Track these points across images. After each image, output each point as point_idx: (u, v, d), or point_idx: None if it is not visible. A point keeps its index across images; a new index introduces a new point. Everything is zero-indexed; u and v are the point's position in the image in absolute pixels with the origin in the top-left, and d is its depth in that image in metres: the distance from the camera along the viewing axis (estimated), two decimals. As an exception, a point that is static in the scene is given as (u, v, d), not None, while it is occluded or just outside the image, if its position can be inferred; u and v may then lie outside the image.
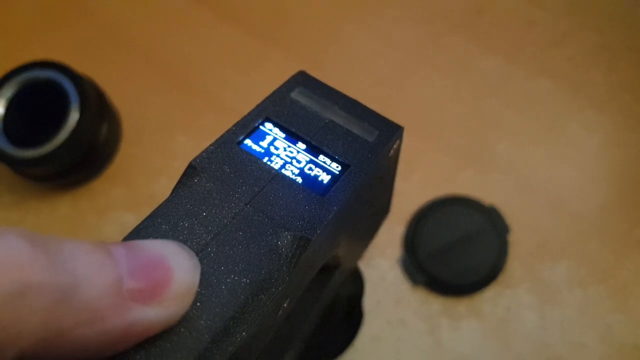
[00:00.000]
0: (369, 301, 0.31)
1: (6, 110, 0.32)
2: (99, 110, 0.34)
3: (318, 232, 0.15)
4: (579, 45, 0.38)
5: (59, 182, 0.34)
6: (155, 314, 0.11)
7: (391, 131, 0.19)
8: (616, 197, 0.34)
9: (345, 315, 0.31)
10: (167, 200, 0.15)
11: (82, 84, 0.32)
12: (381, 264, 0.32)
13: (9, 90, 0.32)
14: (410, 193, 0.33)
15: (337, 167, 0.17)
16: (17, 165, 0.32)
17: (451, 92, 0.37)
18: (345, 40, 0.39)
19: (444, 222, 0.32)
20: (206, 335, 0.13)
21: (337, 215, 0.16)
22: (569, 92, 0.36)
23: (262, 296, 0.14)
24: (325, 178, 0.17)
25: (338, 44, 0.39)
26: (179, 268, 0.12)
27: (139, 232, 0.14)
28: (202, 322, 0.13)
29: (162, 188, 0.35)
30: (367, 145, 0.18)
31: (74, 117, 0.32)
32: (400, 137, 0.19)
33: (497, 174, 0.34)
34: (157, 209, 0.15)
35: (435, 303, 0.32)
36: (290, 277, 0.15)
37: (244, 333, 0.13)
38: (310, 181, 0.17)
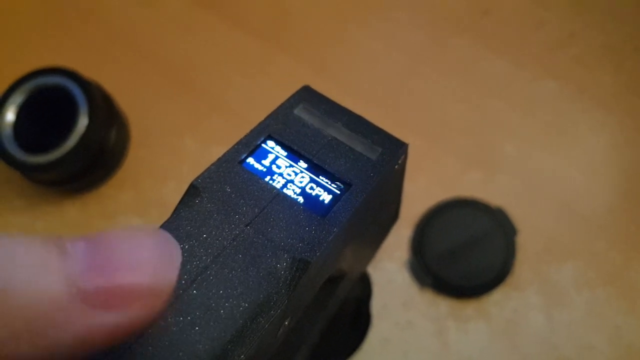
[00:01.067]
0: (377, 304, 0.31)
1: (17, 116, 0.32)
2: (108, 115, 0.34)
3: (317, 254, 0.15)
4: (585, 45, 0.37)
5: (68, 187, 0.35)
6: (116, 319, 0.10)
7: (395, 148, 0.18)
8: (623, 199, 0.34)
9: (353, 318, 0.31)
10: (168, 221, 0.15)
11: (90, 89, 0.32)
12: (389, 267, 0.32)
13: (19, 97, 0.32)
14: (416, 196, 0.33)
15: (339, 186, 0.17)
16: (28, 171, 0.32)
17: (457, 94, 0.37)
18: (349, 42, 0.39)
19: (451, 224, 0.32)
20: None
21: (338, 236, 0.16)
22: (575, 93, 0.36)
23: (261, 319, 0.14)
24: (326, 198, 0.17)
25: (342, 46, 0.39)
26: (149, 262, 0.10)
27: None
28: (200, 346, 0.13)
29: (171, 192, 0.35)
30: (369, 163, 0.18)
31: (82, 122, 0.32)
32: (405, 153, 0.19)
33: (504, 176, 0.34)
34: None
35: (443, 305, 0.32)
36: (289, 300, 0.15)
37: (242, 356, 0.13)
38: (312, 201, 0.16)
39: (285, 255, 0.15)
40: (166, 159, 0.36)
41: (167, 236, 0.11)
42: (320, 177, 0.17)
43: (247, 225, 0.15)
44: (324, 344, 0.27)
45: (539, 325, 0.31)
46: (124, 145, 0.36)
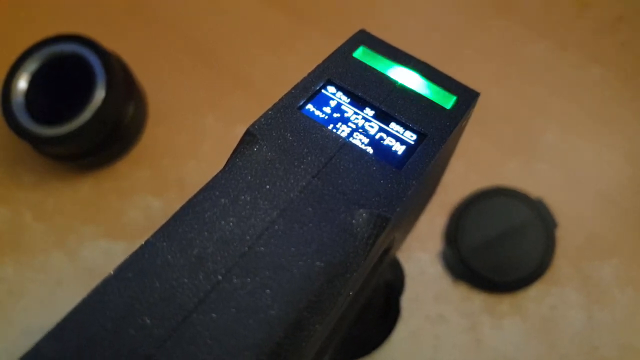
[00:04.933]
0: (407, 296, 0.30)
1: (29, 84, 0.30)
2: (126, 89, 0.32)
3: (398, 209, 0.13)
4: (633, 30, 0.35)
5: (81, 163, 0.33)
6: None
7: (469, 97, 0.17)
8: (672, 193, 0.32)
9: (383, 310, 0.29)
10: (223, 171, 0.13)
11: (109, 60, 0.30)
12: (421, 257, 0.31)
13: (33, 64, 0.30)
14: (452, 183, 0.31)
15: (412, 136, 0.15)
16: (39, 143, 0.30)
17: (497, 77, 0.35)
18: (384, 21, 0.37)
19: (488, 214, 0.30)
20: (278, 329, 0.11)
21: (415, 190, 0.14)
22: (621, 80, 0.34)
23: (337, 282, 0.12)
24: (399, 149, 0.15)
25: (377, 25, 0.36)
26: None
27: (194, 207, 0.12)
28: (274, 312, 0.11)
29: (190, 171, 0.33)
30: (444, 112, 0.16)
31: (99, 94, 0.30)
32: (475, 104, 0.17)
33: (545, 165, 0.32)
34: (212, 180, 0.13)
35: (477, 300, 0.30)
36: (365, 261, 0.13)
37: (317, 325, 0.12)
38: (383, 152, 0.15)
39: (361, 210, 0.13)
40: (185, 137, 0.34)
41: None
42: (391, 125, 0.15)
43: (314, 177, 0.14)
44: (353, 334, 0.26)
45: (578, 323, 0.29)
46: (142, 121, 0.34)
